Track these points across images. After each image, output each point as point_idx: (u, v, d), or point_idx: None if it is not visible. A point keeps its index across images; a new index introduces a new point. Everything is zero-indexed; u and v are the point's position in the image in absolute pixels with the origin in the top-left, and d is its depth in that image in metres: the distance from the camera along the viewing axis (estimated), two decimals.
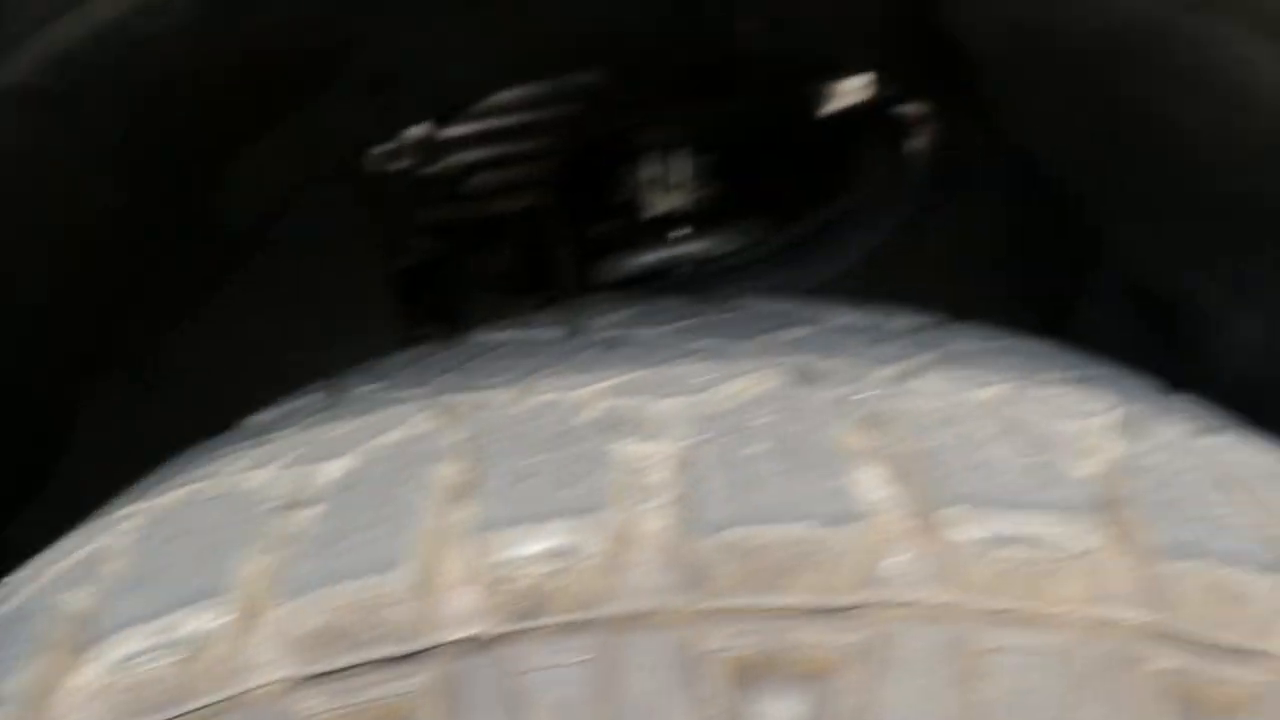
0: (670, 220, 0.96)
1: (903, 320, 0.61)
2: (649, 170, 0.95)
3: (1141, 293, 0.96)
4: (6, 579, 0.51)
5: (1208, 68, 0.72)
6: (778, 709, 0.37)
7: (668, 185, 0.94)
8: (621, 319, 0.63)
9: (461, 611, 0.38)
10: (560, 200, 1.03)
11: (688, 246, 0.96)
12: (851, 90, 1.12)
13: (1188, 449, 0.47)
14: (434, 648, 0.38)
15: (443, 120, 1.06)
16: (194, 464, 0.54)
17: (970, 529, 0.40)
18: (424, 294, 1.03)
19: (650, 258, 0.97)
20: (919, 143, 1.11)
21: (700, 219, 0.95)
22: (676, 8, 0.97)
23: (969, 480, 0.41)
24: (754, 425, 0.44)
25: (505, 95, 1.09)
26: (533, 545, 0.39)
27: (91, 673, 0.39)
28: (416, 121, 1.03)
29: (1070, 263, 1.01)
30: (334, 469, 0.47)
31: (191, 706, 0.38)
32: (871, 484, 0.42)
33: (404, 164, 1.03)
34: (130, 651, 0.39)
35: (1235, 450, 0.49)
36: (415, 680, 0.37)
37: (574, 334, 0.62)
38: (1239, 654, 0.40)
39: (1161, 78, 0.76)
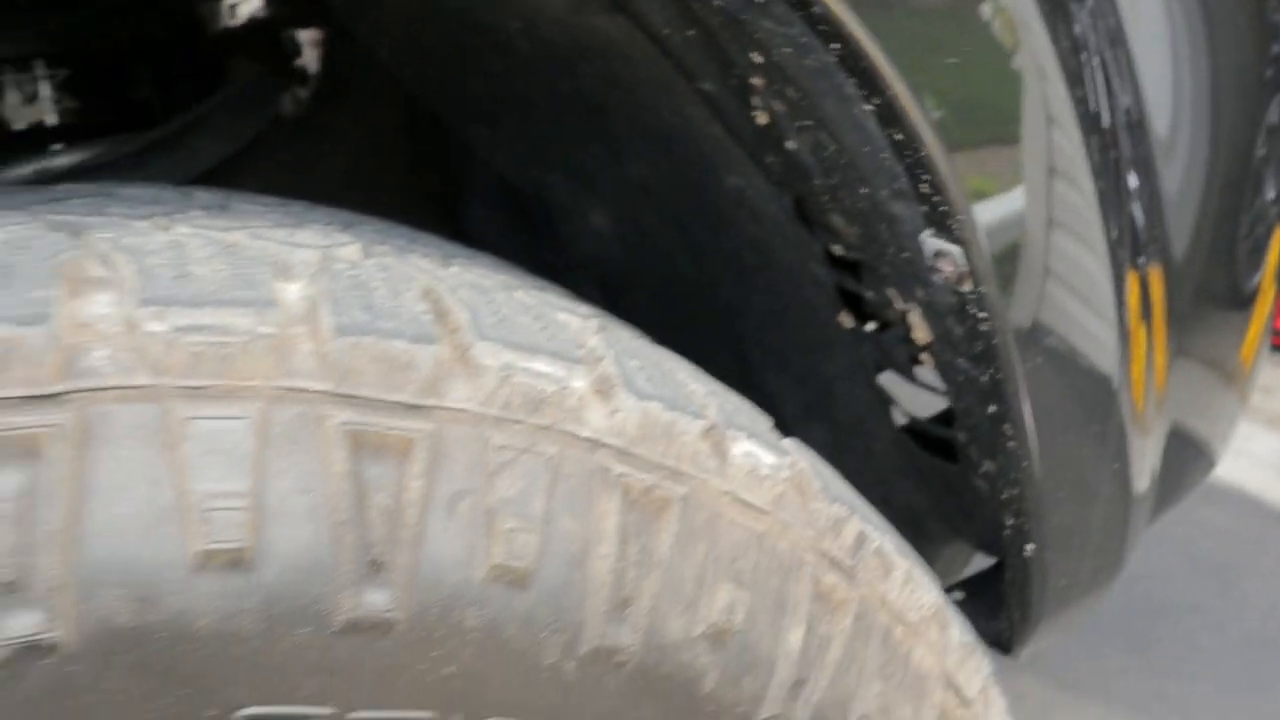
0: (39, 132, 0.97)
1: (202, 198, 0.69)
2: (10, 84, 0.96)
3: (508, 188, 1.11)
4: None
5: None
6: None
7: (30, 99, 0.95)
8: None
9: None
10: None
11: (59, 158, 0.98)
12: (247, 9, 1.19)
13: (377, 265, 0.58)
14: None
15: None
16: None
17: (166, 322, 0.48)
18: None
19: (22, 170, 0.97)
20: (311, 62, 1.19)
21: (69, 130, 0.98)
22: None
23: (171, 288, 0.50)
24: None
25: None
26: None
27: None
28: None
29: (452, 163, 1.14)
30: None
31: None
32: (95, 304, 0.49)
33: None
34: None
35: (416, 267, 0.61)
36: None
37: None
38: (409, 409, 0.52)
39: None
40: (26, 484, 0.45)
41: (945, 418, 0.93)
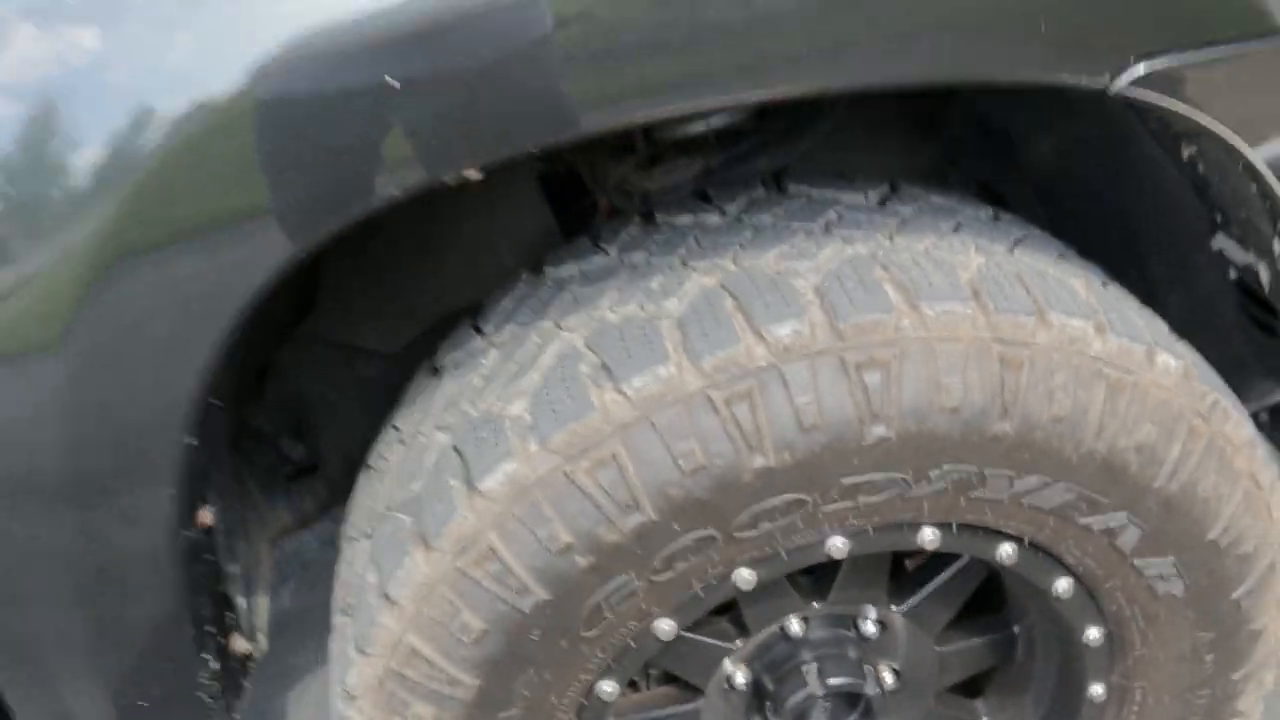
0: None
1: (881, 197, 1.36)
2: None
3: (984, 124, 1.72)
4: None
5: None
6: None
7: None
8: (747, 211, 1.35)
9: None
10: None
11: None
12: None
13: (1006, 260, 1.25)
14: None
15: None
16: (553, 307, 1.26)
17: (926, 311, 1.17)
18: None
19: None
20: None
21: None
22: None
23: (922, 283, 1.18)
24: (844, 271, 1.20)
25: None
26: (782, 329, 1.15)
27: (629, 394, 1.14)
28: None
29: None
30: (674, 304, 1.20)
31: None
32: (888, 292, 1.18)
33: None
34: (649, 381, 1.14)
35: (1028, 258, 1.27)
36: None
37: (729, 220, 1.34)
38: (1021, 345, 1.19)
39: None
40: None
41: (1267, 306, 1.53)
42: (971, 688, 1.68)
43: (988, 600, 1.56)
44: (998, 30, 1.08)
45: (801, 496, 1.19)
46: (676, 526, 1.17)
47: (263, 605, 1.68)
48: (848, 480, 1.19)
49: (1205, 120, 1.17)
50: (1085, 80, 1.09)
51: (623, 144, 1.63)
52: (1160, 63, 1.10)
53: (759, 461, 1.15)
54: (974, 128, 1.75)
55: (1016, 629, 1.58)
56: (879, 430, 1.16)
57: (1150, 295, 1.60)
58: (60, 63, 1.01)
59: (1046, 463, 1.23)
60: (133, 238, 1.03)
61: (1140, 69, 1.12)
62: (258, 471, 1.84)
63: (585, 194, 1.72)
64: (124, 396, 1.10)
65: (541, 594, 1.19)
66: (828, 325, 1.15)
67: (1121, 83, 1.10)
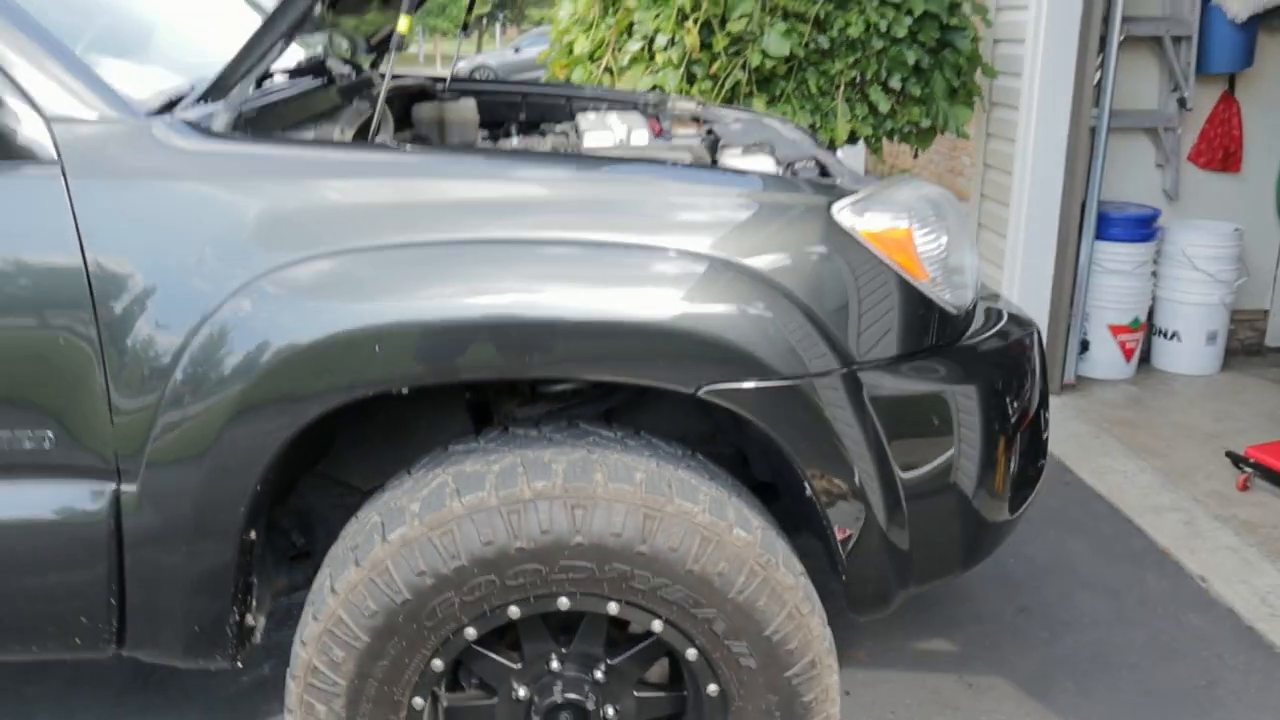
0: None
1: (620, 436, 2.71)
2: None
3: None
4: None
5: None
6: None
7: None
8: (551, 433, 2.72)
9: None
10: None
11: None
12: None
13: (668, 471, 2.58)
14: None
15: None
16: (443, 464, 2.60)
17: (611, 485, 2.50)
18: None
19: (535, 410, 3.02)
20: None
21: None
22: None
23: (615, 473, 2.51)
24: (578, 462, 2.54)
25: None
26: (539, 484, 2.48)
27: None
28: None
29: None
30: (497, 467, 2.55)
31: None
32: (596, 475, 2.51)
33: None
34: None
35: (682, 474, 2.60)
36: None
37: (540, 436, 2.70)
38: (659, 513, 2.51)
39: None
40: None
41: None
42: None
43: (674, 671, 2.81)
44: (642, 357, 2.46)
45: (539, 567, 2.49)
46: (476, 571, 2.47)
47: (262, 621, 2.96)
48: (563, 562, 2.49)
49: (753, 419, 2.53)
50: (682, 387, 2.47)
51: (514, 389, 3.03)
52: (718, 384, 2.48)
53: (519, 544, 2.46)
54: (727, 414, 3.12)
55: (685, 692, 2.81)
56: (579, 539, 2.47)
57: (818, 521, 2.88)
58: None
59: (668, 572, 2.52)
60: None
61: (720, 385, 2.49)
62: (275, 550, 3.15)
63: (489, 415, 3.11)
64: (230, 478, 2.47)
65: (406, 595, 2.48)
66: (563, 485, 2.49)
67: (701, 391, 2.47)
